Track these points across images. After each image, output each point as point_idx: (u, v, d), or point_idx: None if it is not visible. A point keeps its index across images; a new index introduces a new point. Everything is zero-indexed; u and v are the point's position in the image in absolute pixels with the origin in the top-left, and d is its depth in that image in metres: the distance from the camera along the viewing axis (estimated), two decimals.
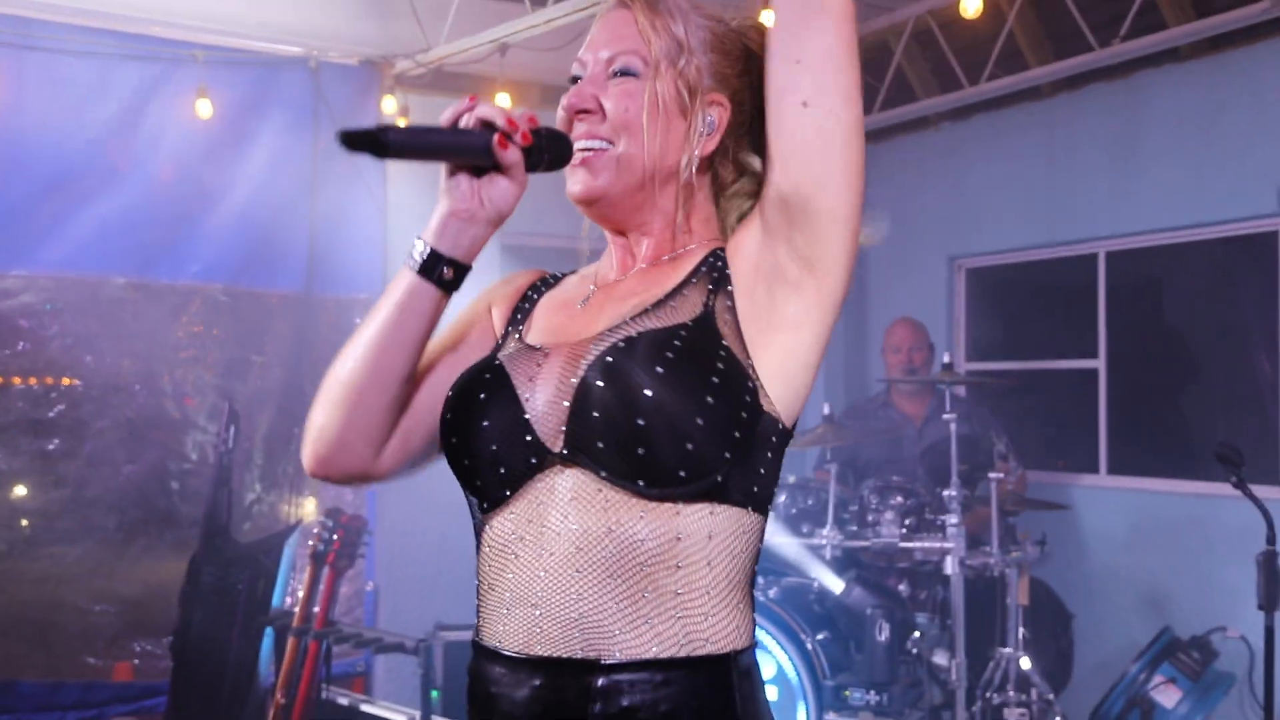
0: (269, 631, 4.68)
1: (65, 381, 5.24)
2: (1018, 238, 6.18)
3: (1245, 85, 5.15)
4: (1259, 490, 3.84)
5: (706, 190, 1.48)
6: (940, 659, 4.44)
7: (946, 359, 4.73)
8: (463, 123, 1.36)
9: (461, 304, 1.55)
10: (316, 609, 4.64)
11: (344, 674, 5.59)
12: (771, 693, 3.87)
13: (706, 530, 1.28)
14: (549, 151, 1.41)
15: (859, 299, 7.11)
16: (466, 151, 1.37)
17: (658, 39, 1.44)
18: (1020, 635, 4.51)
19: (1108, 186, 5.68)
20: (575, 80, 1.46)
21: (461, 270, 1.42)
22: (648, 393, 1.26)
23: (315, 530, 4.78)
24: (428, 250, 1.40)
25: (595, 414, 1.28)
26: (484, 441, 1.35)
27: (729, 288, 1.36)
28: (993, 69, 5.99)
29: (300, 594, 4.71)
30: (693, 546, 1.28)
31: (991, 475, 4.44)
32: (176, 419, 5.42)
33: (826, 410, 4.84)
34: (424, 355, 1.46)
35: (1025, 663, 4.46)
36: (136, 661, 5.25)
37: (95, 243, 5.23)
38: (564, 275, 1.60)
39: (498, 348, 1.48)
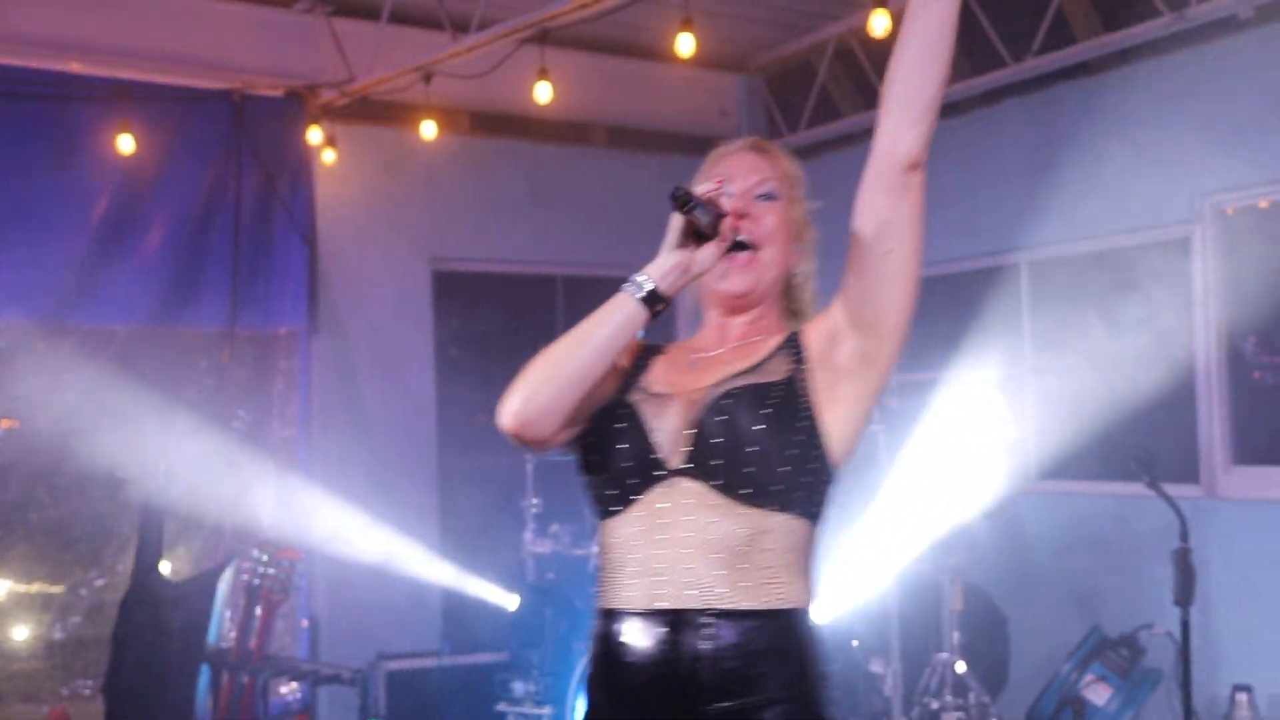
0: (205, 669, 4.62)
1: None
2: (942, 250, 6.27)
3: (1152, 96, 5.29)
4: (1179, 489, 3.94)
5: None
6: (877, 667, 4.49)
7: None
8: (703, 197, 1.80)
9: None
10: (252, 644, 4.60)
11: (284, 709, 5.53)
12: None
13: (785, 530, 1.76)
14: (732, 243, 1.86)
15: None
16: (709, 221, 1.79)
17: (788, 177, 1.95)
18: (956, 640, 4.57)
19: (1027, 197, 5.80)
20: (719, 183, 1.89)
21: (667, 304, 1.83)
22: (756, 429, 1.73)
23: (249, 565, 4.75)
24: (652, 286, 1.80)
25: (714, 442, 1.75)
26: (620, 458, 1.80)
27: (806, 365, 1.82)
28: None
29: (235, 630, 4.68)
30: (775, 540, 1.75)
31: (921, 485, 4.50)
32: (101, 461, 5.34)
33: None
34: None
35: (961, 667, 4.52)
36: (69, 706, 5.15)
37: (15, 286, 5.15)
38: (663, 345, 2.02)
39: (623, 390, 1.89)
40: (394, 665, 5.44)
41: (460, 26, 5.33)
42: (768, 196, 1.91)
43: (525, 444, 1.85)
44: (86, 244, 5.32)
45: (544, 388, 1.80)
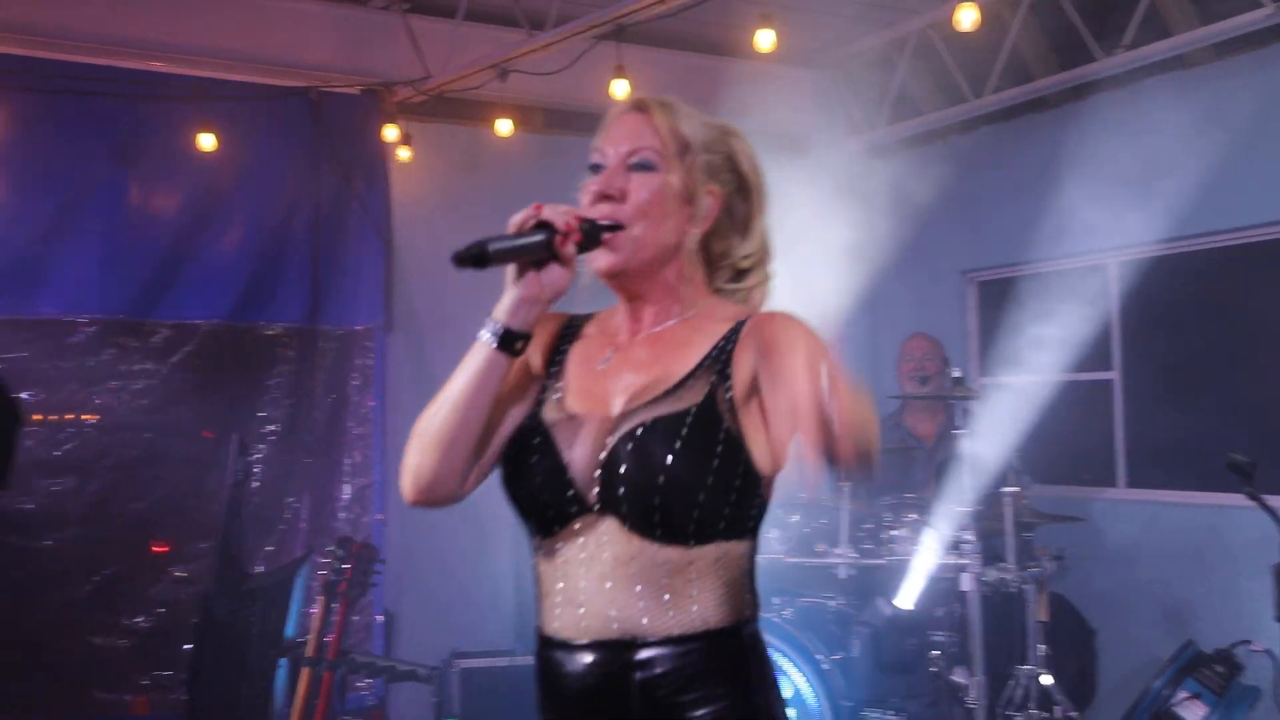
0: (283, 663, 4.64)
1: (71, 417, 5.23)
2: (1028, 250, 6.12)
3: (1251, 91, 5.10)
4: (1276, 500, 3.78)
5: (700, 261, 1.83)
6: (960, 677, 4.37)
7: (958, 373, 4.68)
8: (528, 223, 1.70)
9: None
10: (329, 639, 4.61)
11: (360, 705, 5.55)
12: (789, 714, 3.80)
13: (714, 556, 1.69)
14: (588, 238, 1.72)
15: (870, 317, 7.06)
16: (536, 250, 1.69)
17: (671, 139, 1.78)
18: (1041, 652, 4.44)
19: (1116, 196, 5.62)
20: (595, 167, 1.79)
21: (527, 339, 1.74)
22: (666, 468, 1.64)
23: (327, 560, 4.77)
24: (503, 329, 1.71)
25: (622, 483, 1.67)
26: (536, 490, 1.74)
27: (729, 381, 1.70)
28: (997, 81, 5.96)
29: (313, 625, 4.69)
30: (703, 565, 1.69)
31: (1004, 490, 4.38)
32: (184, 455, 5.39)
33: None
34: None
35: (1047, 679, 4.39)
36: (152, 695, 5.22)
37: (100, 282, 5.24)
38: (584, 321, 1.90)
39: (540, 400, 1.81)
40: (468, 663, 5.43)
41: (536, 23, 5.30)
42: (643, 166, 1.76)
43: (438, 505, 1.79)
44: (168, 240, 5.39)
45: (428, 456, 1.74)
